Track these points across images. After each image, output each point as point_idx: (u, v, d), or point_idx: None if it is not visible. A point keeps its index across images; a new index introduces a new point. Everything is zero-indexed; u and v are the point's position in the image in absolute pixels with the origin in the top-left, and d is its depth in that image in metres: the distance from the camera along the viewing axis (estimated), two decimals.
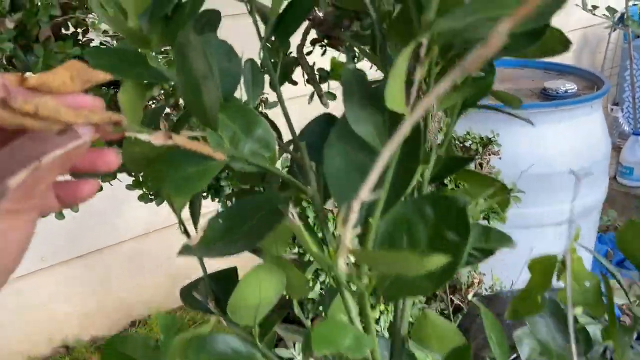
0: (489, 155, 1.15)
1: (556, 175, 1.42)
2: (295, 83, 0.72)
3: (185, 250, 0.36)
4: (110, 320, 1.87)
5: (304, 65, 0.62)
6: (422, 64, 0.28)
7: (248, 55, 0.48)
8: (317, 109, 0.71)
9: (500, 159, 1.21)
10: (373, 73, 0.53)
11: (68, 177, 0.31)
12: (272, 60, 0.48)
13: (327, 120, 0.48)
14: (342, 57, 0.65)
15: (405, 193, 0.32)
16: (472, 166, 1.07)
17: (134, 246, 1.84)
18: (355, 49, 0.62)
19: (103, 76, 0.27)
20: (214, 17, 0.46)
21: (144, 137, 0.30)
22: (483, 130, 1.20)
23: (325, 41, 0.61)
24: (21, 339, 1.68)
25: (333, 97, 0.66)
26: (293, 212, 0.30)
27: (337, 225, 0.28)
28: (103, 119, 0.27)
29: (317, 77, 0.65)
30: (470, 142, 1.14)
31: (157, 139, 0.30)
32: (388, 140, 0.32)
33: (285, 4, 0.45)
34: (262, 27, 0.46)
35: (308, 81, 0.65)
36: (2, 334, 1.64)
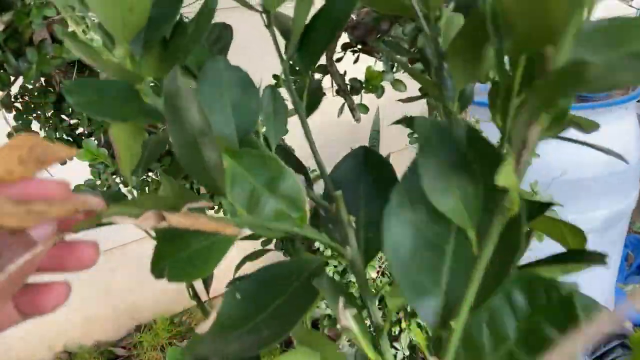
0: None
1: (587, 181, 1.33)
2: (322, 94, 0.63)
3: (194, 347, 0.28)
4: (114, 324, 1.80)
5: (333, 73, 0.54)
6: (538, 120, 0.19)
7: (254, 64, 0.39)
8: (325, 114, 0.62)
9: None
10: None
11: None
12: (296, 77, 0.39)
13: (364, 155, 0.40)
14: (379, 65, 0.56)
15: (500, 289, 0.23)
16: None
17: (138, 248, 1.77)
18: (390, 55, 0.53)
19: (65, 153, 0.19)
20: (225, 34, 0.38)
21: (129, 220, 0.21)
22: None
23: (359, 46, 0.52)
24: (21, 345, 1.62)
25: (365, 109, 0.57)
26: (347, 314, 0.22)
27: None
28: (67, 210, 0.19)
29: (349, 87, 0.56)
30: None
31: (146, 221, 0.21)
32: (483, 219, 0.24)
33: (313, 13, 0.37)
34: (282, 42, 0.38)
35: (337, 92, 0.56)
36: (1, 339, 1.57)
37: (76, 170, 1.04)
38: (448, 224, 0.25)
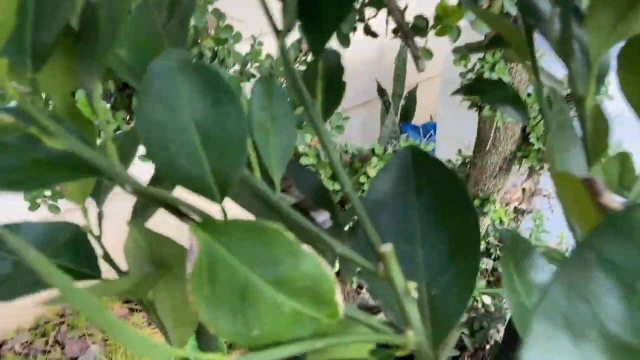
0: None
1: None
2: (374, 35, 0.48)
3: None
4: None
5: (391, 9, 0.39)
6: None
7: None
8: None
9: None
10: None
11: None
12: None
13: (412, 161, 0.27)
14: None
15: None
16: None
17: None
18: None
19: None
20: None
21: None
22: None
23: None
24: (12, 304, 1.60)
25: (429, 56, 0.43)
26: None
27: None
28: None
29: (411, 26, 0.41)
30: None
31: None
32: None
33: None
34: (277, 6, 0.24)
35: (395, 32, 0.42)
36: None
37: None
38: None
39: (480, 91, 0.29)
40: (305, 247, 0.18)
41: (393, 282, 0.21)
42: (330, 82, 0.24)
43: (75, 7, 0.18)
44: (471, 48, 0.34)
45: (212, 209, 0.22)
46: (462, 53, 0.35)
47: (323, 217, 0.24)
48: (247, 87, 0.90)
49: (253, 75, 0.89)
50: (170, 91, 0.20)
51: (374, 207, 0.26)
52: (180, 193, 0.22)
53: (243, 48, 0.87)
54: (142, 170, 0.31)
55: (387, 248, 0.21)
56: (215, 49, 0.85)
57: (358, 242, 0.24)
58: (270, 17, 0.24)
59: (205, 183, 0.20)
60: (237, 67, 0.90)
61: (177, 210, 0.21)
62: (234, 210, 0.27)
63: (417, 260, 0.24)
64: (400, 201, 0.26)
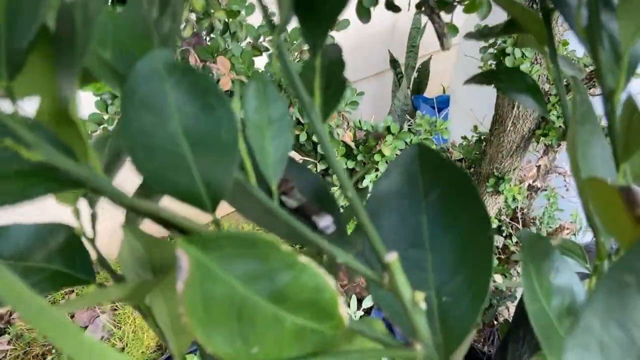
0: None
1: None
2: (397, 9, 0.47)
3: None
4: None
5: None
6: None
7: None
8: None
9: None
10: None
11: None
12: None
13: (419, 159, 0.25)
14: None
15: None
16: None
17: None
18: None
19: None
20: None
21: None
22: None
23: None
24: None
25: (455, 31, 0.41)
26: None
27: None
28: None
29: (436, 0, 0.40)
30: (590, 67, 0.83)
31: None
32: None
33: None
34: None
35: (419, 6, 0.40)
36: None
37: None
38: None
39: (495, 80, 0.27)
40: (304, 259, 0.17)
41: (399, 293, 0.20)
42: (329, 79, 0.22)
43: (47, 9, 0.17)
44: (483, 34, 0.32)
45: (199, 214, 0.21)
46: (474, 39, 0.33)
47: (326, 222, 0.22)
48: (259, 60, 0.87)
49: (266, 49, 0.86)
50: (157, 96, 0.18)
51: (378, 209, 0.24)
52: (168, 202, 0.20)
53: (255, 19, 0.85)
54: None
55: (391, 257, 0.20)
56: (227, 20, 0.82)
57: (364, 247, 0.23)
58: (266, 13, 0.22)
59: (196, 193, 0.19)
60: (249, 39, 0.87)
61: (164, 221, 0.20)
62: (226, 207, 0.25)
63: (425, 265, 0.23)
64: (406, 203, 0.24)
